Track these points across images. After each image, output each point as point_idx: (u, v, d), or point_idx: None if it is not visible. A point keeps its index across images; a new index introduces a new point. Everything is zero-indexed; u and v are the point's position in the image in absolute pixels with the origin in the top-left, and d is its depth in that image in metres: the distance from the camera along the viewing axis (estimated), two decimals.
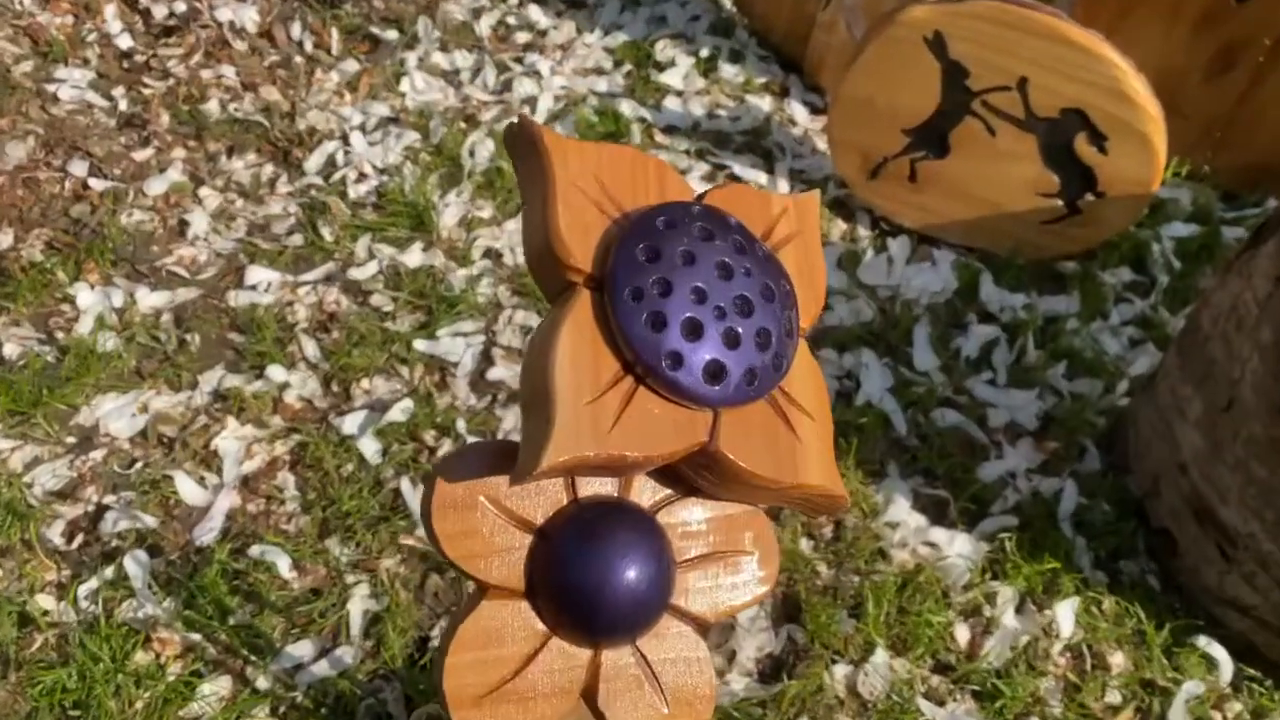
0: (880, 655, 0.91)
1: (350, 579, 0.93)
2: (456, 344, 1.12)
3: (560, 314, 0.31)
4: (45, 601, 0.90)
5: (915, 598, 0.95)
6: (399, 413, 1.04)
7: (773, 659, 0.93)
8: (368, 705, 0.86)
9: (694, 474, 0.34)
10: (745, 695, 0.89)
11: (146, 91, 1.33)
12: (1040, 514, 1.02)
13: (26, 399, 1.02)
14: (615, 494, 0.35)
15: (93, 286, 1.12)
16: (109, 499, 0.97)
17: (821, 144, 1.36)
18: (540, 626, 0.34)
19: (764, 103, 1.41)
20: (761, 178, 1.32)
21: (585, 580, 0.32)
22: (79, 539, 0.95)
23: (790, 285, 0.34)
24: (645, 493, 0.35)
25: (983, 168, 1.19)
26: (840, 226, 1.28)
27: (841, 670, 0.91)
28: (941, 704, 0.90)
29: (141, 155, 1.26)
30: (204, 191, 1.24)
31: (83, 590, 0.91)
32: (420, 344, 1.11)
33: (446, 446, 1.04)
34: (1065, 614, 0.94)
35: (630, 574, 0.33)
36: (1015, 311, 1.19)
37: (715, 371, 0.32)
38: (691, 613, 0.35)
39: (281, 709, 0.86)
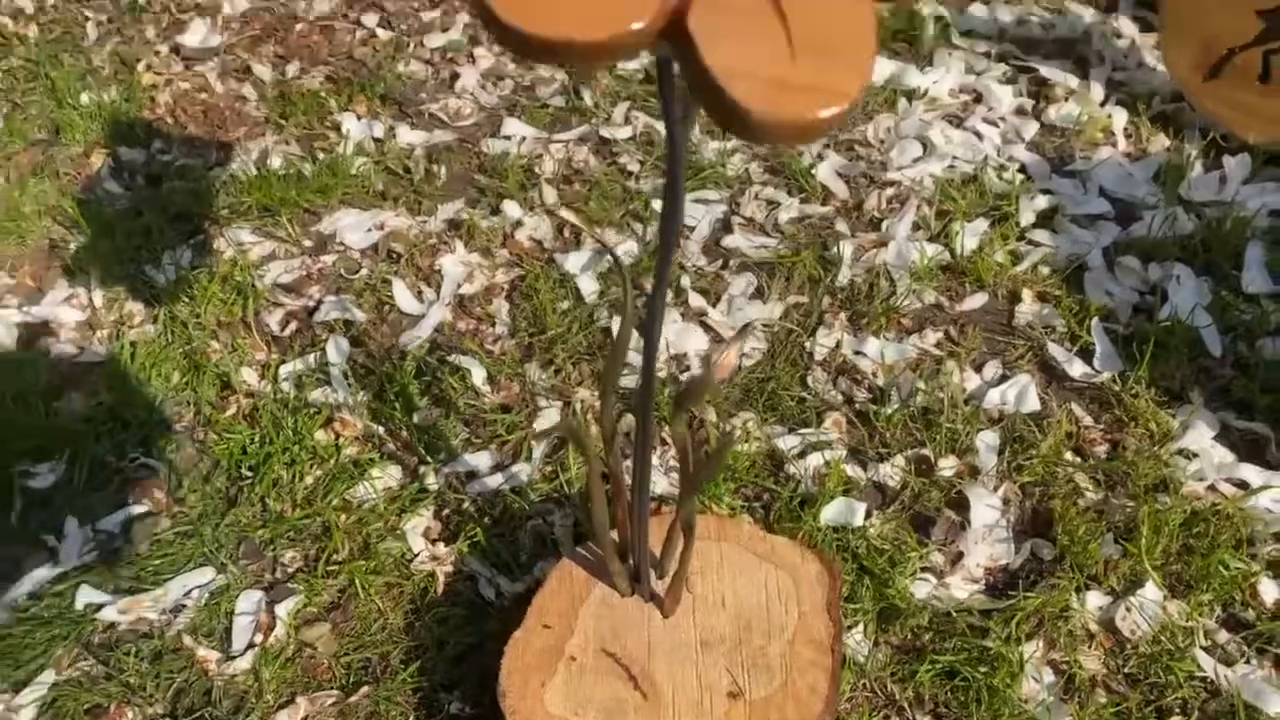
0: (1152, 590, 0.72)
1: (542, 402, 0.86)
2: (696, 209, 1.04)
3: None
4: (249, 375, 0.89)
5: (1206, 537, 0.75)
6: (623, 256, 0.97)
7: (1007, 572, 0.76)
8: (533, 525, 0.78)
9: None
10: (967, 602, 0.73)
11: None
12: None
13: (276, 197, 1.03)
14: None
15: (359, 118, 1.14)
16: (330, 298, 0.96)
17: (1150, 59, 1.17)
18: None
19: (1086, 13, 1.24)
20: (1072, 81, 1.14)
21: None
22: (293, 326, 0.94)
23: None
24: None
25: None
26: (1163, 141, 1.08)
27: (1096, 599, 0.73)
28: (1229, 664, 0.69)
29: (429, 15, 1.28)
30: (479, 51, 1.23)
31: (284, 370, 0.89)
32: (660, 204, 1.04)
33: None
34: None
35: None
36: None
37: None
38: None
39: (445, 511, 0.80)
